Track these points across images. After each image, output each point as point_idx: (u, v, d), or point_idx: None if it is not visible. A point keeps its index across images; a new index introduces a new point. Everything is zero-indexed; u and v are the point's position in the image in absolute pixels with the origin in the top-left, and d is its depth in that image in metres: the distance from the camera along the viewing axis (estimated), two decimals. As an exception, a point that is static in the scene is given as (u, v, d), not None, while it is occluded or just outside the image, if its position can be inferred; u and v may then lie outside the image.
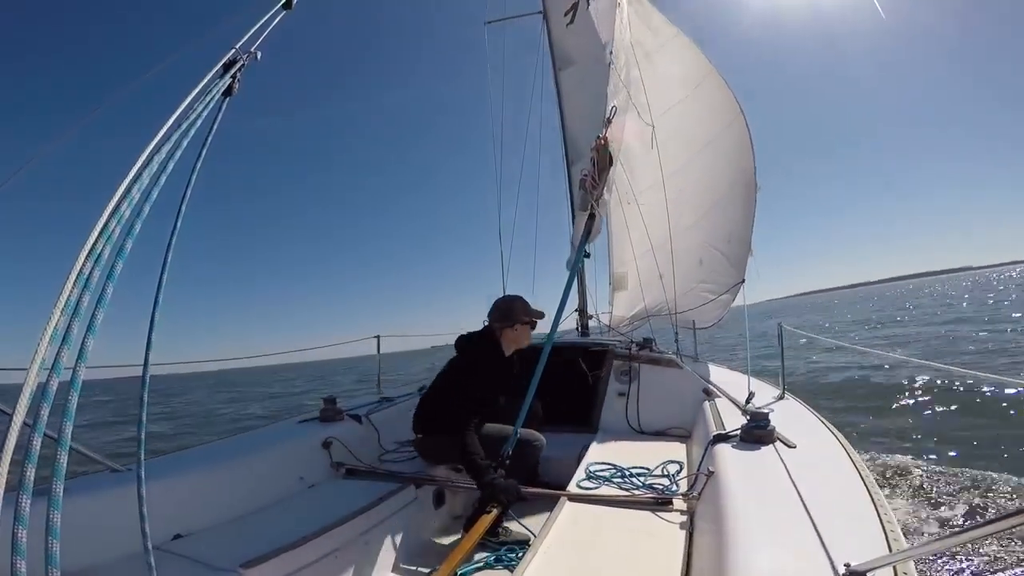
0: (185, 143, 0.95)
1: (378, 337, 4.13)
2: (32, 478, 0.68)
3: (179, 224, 0.95)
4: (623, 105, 2.66)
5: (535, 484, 3.14)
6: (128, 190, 0.84)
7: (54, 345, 0.71)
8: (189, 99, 1.03)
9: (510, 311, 3.11)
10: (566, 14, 5.50)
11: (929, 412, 7.95)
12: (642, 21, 4.89)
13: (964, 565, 3.45)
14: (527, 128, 6.74)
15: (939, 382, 9.10)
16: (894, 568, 1.17)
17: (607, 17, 4.69)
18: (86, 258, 0.75)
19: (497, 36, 6.79)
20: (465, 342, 3.12)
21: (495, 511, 2.46)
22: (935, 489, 4.91)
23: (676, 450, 3.25)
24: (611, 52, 2.88)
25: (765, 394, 3.16)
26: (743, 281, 4.89)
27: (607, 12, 4.62)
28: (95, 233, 0.78)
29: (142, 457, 1.03)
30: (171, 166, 0.91)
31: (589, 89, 5.16)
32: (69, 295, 0.72)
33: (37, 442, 0.68)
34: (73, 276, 0.73)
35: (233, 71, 1.13)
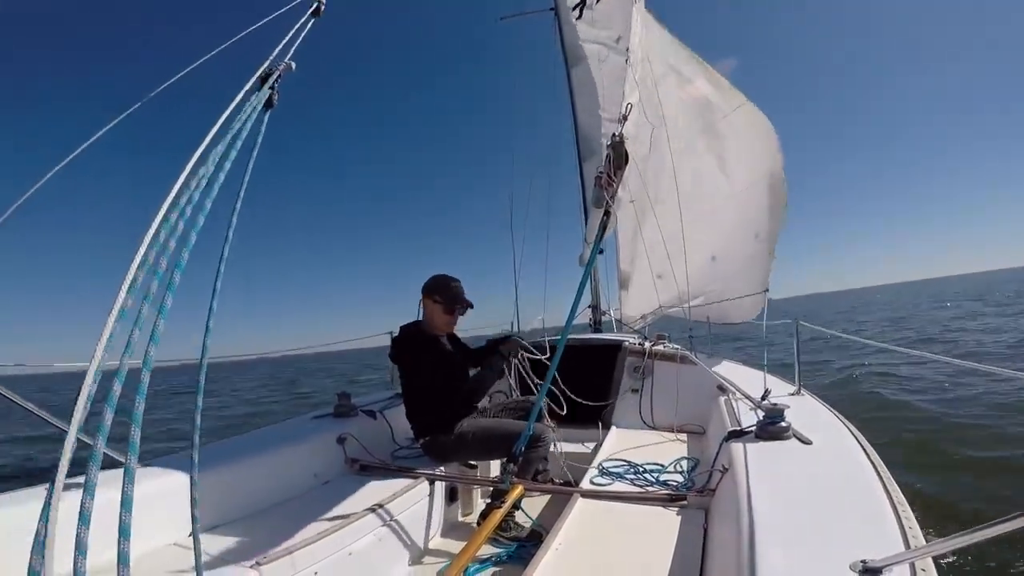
0: (233, 154, 0.97)
1: (391, 333, 4.17)
2: (97, 480, 0.71)
3: (231, 235, 0.97)
4: (638, 102, 2.65)
5: (544, 479, 3.17)
6: (176, 201, 0.87)
7: (115, 353, 0.74)
8: (228, 112, 1.04)
9: (427, 285, 3.20)
10: (574, 8, 5.48)
11: (950, 404, 7.83)
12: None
13: (987, 562, 3.42)
14: (539, 124, 6.74)
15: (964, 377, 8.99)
16: (912, 565, 1.17)
17: (619, 13, 4.65)
18: (139, 267, 0.78)
19: (511, 33, 6.78)
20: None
21: (506, 505, 2.51)
22: (958, 484, 4.85)
23: (690, 446, 3.26)
24: (628, 48, 2.86)
25: (780, 390, 3.15)
26: (767, 290, 4.82)
27: (619, 7, 4.58)
28: (144, 244, 0.80)
29: (196, 441, 1.05)
30: (221, 178, 0.93)
31: (603, 84, 5.11)
32: (124, 303, 0.75)
33: (101, 444, 0.71)
34: (125, 286, 0.75)
35: (271, 82, 1.15)
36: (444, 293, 3.17)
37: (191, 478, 1.00)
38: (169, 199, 0.86)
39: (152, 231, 0.80)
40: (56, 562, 0.67)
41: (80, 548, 0.67)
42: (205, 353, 0.94)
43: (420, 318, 3.27)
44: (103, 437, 0.71)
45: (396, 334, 3.27)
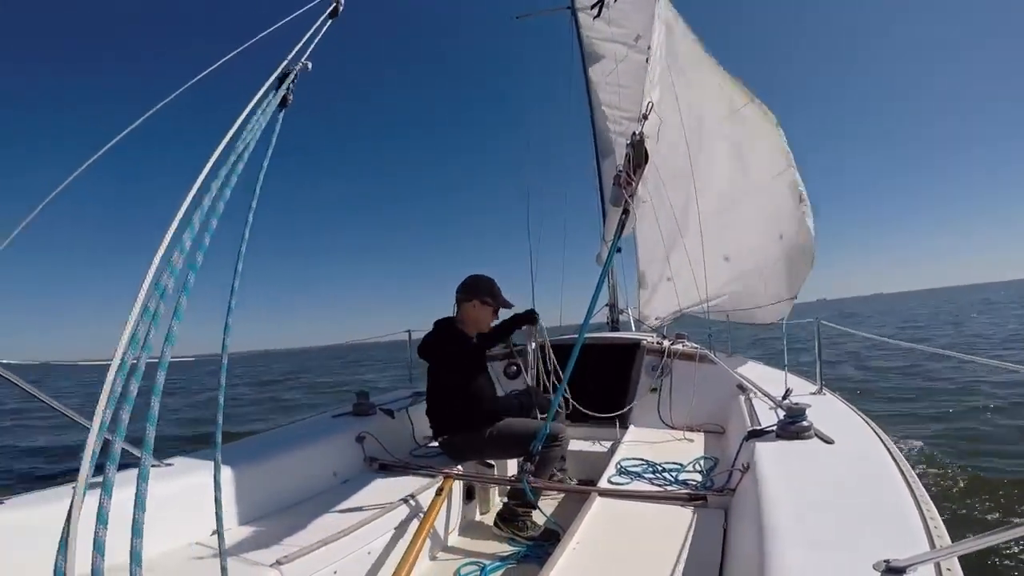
0: (247, 155, 0.98)
1: (409, 332, 4.18)
2: (115, 479, 0.72)
3: (247, 233, 0.98)
4: (658, 100, 2.63)
5: (561, 478, 3.15)
6: (199, 201, 0.88)
7: (133, 351, 0.75)
8: (246, 111, 1.06)
9: (473, 286, 3.21)
10: (593, 7, 5.45)
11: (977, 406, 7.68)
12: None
13: (1015, 563, 3.33)
14: (557, 124, 6.73)
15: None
16: (937, 565, 1.14)
17: (637, 12, 4.60)
18: (159, 265, 0.79)
19: (527, 31, 6.78)
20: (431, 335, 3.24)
21: (443, 495, 2.59)
22: (986, 485, 4.74)
23: (710, 446, 3.22)
24: (649, 47, 2.84)
25: (802, 390, 3.10)
26: (795, 297, 4.67)
27: (638, 6, 4.54)
28: (165, 242, 0.81)
29: (219, 440, 1.06)
30: (234, 179, 0.94)
31: (620, 83, 5.08)
32: (146, 302, 0.76)
33: (118, 447, 0.71)
34: (146, 284, 0.76)
35: (287, 83, 1.17)
36: (495, 296, 3.23)
37: (215, 480, 1.01)
38: (188, 199, 0.87)
39: (172, 230, 0.81)
40: (79, 561, 0.68)
41: (98, 547, 0.68)
42: (225, 349, 0.94)
43: (455, 315, 3.26)
44: (120, 438, 0.72)
45: (419, 331, 3.29)
